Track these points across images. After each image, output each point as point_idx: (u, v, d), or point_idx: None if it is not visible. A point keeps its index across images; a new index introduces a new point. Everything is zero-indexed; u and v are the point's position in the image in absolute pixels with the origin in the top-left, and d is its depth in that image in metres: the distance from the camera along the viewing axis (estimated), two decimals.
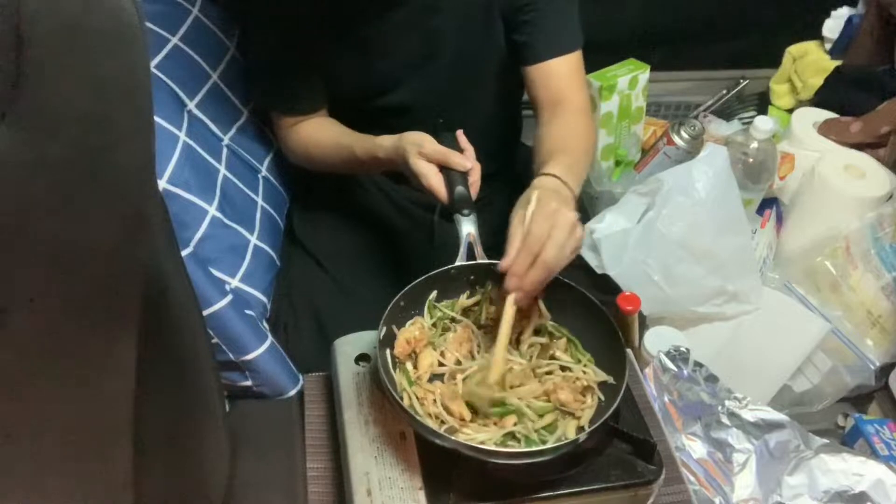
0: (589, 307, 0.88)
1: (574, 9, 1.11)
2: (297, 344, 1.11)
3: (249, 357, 0.99)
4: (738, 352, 1.20)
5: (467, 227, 0.91)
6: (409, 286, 0.88)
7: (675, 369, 1.05)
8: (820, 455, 0.97)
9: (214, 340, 0.97)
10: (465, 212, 0.90)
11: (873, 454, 1.06)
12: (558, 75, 1.10)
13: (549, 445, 0.76)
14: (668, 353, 1.07)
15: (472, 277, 0.91)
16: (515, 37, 1.10)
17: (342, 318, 1.06)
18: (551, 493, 0.78)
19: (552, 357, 0.87)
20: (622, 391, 0.80)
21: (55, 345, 0.47)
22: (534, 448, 0.75)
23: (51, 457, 0.52)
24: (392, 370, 0.83)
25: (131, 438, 0.55)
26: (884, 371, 1.21)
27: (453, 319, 0.90)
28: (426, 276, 0.89)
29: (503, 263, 0.82)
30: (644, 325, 1.17)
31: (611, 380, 0.84)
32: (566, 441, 0.76)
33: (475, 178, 0.93)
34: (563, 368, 0.86)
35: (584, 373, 0.84)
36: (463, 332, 0.89)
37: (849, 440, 1.13)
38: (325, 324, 1.12)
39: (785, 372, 1.21)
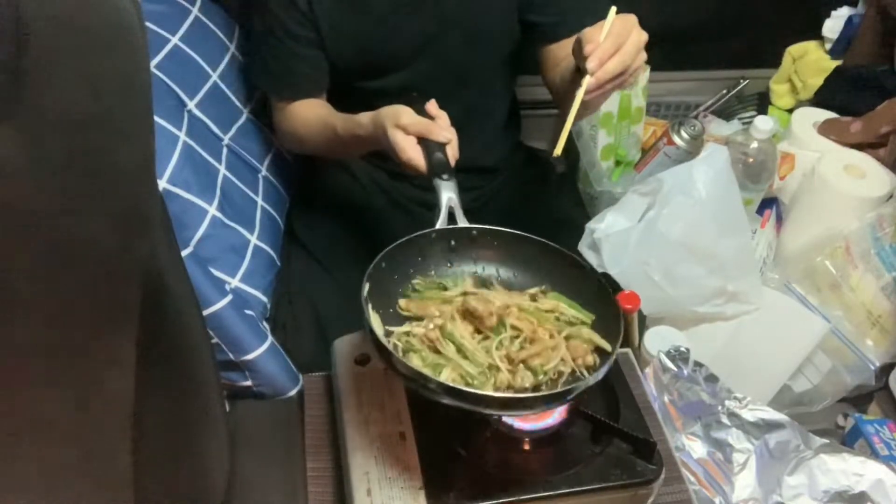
0: (580, 270, 0.87)
1: None
2: (297, 344, 1.10)
3: (249, 357, 0.99)
4: (738, 352, 1.20)
5: (447, 192, 0.89)
6: (390, 247, 0.85)
7: (675, 369, 1.05)
8: (820, 455, 0.97)
9: (214, 340, 0.97)
10: (445, 176, 0.89)
11: (873, 454, 1.06)
12: None
13: (542, 393, 0.74)
14: (668, 353, 1.06)
15: (452, 243, 0.89)
16: (533, 17, 1.09)
17: (342, 318, 1.06)
18: (551, 493, 0.77)
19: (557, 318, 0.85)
20: (615, 351, 0.77)
21: (55, 345, 0.47)
22: (527, 395, 0.74)
23: (51, 456, 0.52)
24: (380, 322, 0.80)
25: (131, 438, 0.55)
26: (884, 371, 1.21)
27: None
28: (406, 238, 0.86)
29: (587, 48, 0.85)
30: (644, 325, 1.17)
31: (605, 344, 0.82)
32: (568, 386, 0.72)
33: (454, 147, 0.91)
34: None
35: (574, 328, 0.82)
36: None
37: (849, 440, 1.13)
38: (325, 324, 1.12)
39: (785, 372, 1.21)
